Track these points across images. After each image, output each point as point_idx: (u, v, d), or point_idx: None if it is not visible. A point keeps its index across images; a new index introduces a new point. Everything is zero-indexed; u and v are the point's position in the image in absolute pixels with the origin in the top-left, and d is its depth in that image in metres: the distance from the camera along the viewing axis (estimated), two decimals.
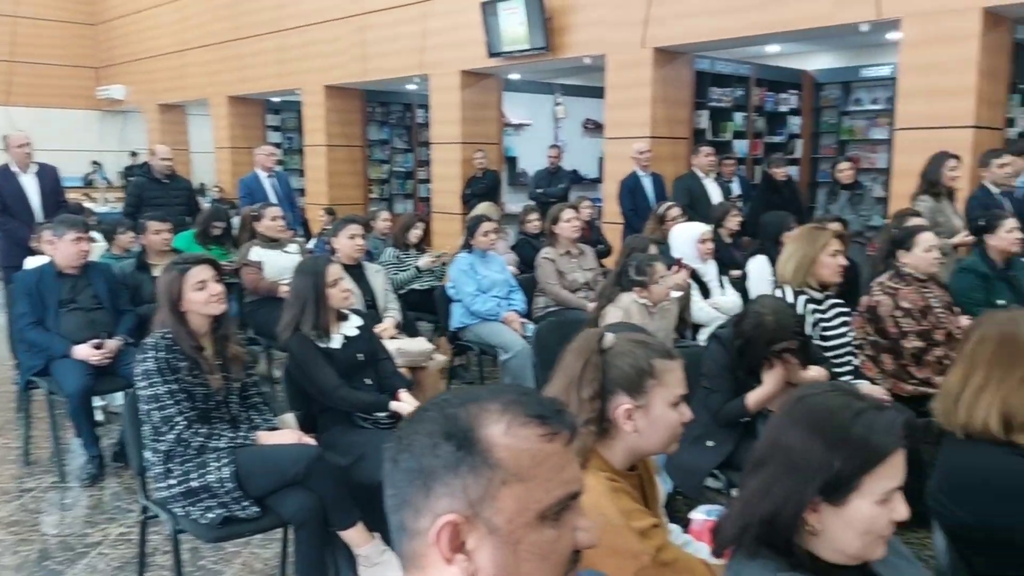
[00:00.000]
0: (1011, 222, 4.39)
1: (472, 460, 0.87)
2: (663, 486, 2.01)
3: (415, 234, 5.67)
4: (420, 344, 4.06)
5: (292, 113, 13.07)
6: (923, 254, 3.69)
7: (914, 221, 4.54)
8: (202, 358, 2.74)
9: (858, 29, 6.54)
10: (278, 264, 4.98)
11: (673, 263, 4.37)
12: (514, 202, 9.93)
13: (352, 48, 10.29)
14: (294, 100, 12.06)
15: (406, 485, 0.89)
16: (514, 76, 10.27)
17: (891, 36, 6.93)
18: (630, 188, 7.15)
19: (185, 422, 2.62)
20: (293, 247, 5.27)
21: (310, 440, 2.81)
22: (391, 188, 12.97)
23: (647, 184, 7.19)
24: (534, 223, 6.53)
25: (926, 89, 6.07)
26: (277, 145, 12.51)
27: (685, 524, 2.05)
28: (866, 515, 1.17)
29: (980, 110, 5.96)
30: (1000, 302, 4.05)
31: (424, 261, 5.52)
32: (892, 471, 1.17)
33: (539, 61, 8.57)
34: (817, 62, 10.09)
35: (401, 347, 3.90)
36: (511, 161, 10.74)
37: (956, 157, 5.35)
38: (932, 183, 5.30)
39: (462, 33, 8.89)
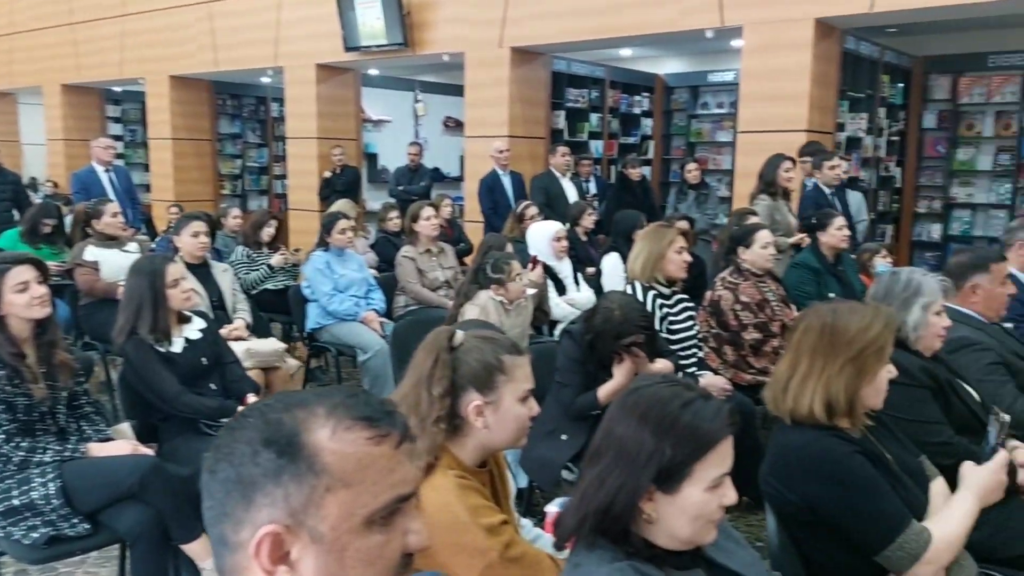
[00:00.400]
0: (840, 220, 4.73)
1: (295, 467, 0.84)
2: (513, 481, 2.01)
3: (267, 232, 5.47)
4: (271, 344, 3.92)
5: (135, 104, 12.30)
6: (760, 251, 3.91)
7: (753, 220, 4.81)
8: (24, 366, 2.52)
9: (704, 35, 6.85)
10: (116, 264, 4.66)
11: (529, 261, 4.44)
12: (375, 199, 9.78)
13: (200, 37, 9.81)
14: (137, 90, 11.36)
15: (224, 496, 0.84)
16: (373, 72, 10.11)
17: (735, 43, 7.31)
18: (489, 186, 7.20)
19: (3, 436, 2.41)
20: (133, 246, 4.95)
21: (147, 450, 2.65)
22: (245, 184, 12.46)
23: (506, 183, 7.26)
24: (394, 221, 6.45)
25: (765, 94, 6.45)
26: (118, 138, 11.74)
27: (542, 518, 2.08)
28: (697, 501, 1.21)
29: (813, 115, 6.39)
30: (830, 295, 4.34)
31: (276, 260, 5.33)
32: (720, 458, 1.22)
33: (398, 57, 8.48)
34: (668, 66, 10.52)
35: (251, 348, 3.75)
36: (371, 158, 10.57)
37: (791, 159, 5.71)
38: (769, 183, 5.63)
39: (318, 26, 8.66)
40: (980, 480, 1.78)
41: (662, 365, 3.20)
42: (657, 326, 3.53)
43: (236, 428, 0.87)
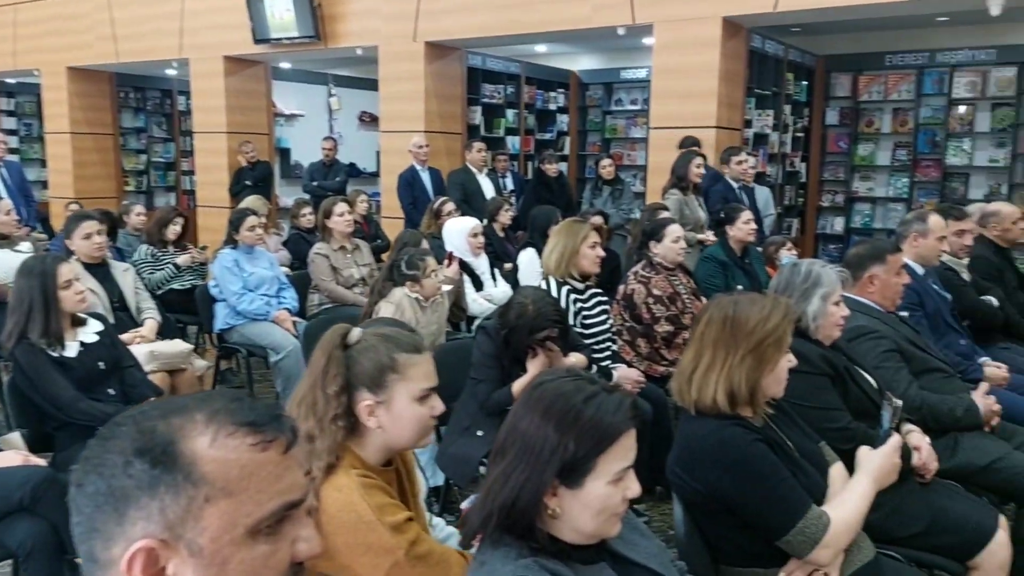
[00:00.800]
0: (747, 214, 4.86)
1: (171, 478, 0.79)
2: (424, 479, 1.99)
3: (173, 230, 5.27)
4: (176, 345, 3.78)
5: (30, 96, 11.69)
6: (671, 245, 3.98)
7: (664, 215, 4.90)
8: None
9: (616, 33, 6.94)
10: (7, 264, 4.41)
11: (445, 257, 4.41)
12: (288, 195, 9.56)
13: (99, 27, 9.38)
14: (33, 82, 10.78)
15: (93, 511, 0.79)
16: (284, 65, 9.88)
17: (646, 41, 7.42)
18: (408, 182, 7.13)
19: None
20: (26, 245, 4.70)
21: (38, 460, 2.51)
22: (151, 180, 12.00)
23: (425, 178, 7.20)
24: (307, 217, 6.33)
25: (675, 91, 6.57)
26: (12, 132, 11.15)
27: (460, 515, 2.06)
28: (601, 495, 1.22)
29: (721, 112, 6.55)
30: (738, 287, 4.46)
31: (183, 259, 5.14)
32: (623, 451, 1.23)
33: (309, 50, 8.30)
34: (582, 63, 10.62)
35: (155, 350, 3.61)
36: (284, 153, 10.32)
37: (701, 155, 5.85)
38: (680, 178, 5.75)
39: (225, 16, 8.39)
40: (875, 464, 1.85)
41: (576, 359, 3.23)
42: (571, 320, 3.56)
43: (107, 438, 0.82)
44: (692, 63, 6.45)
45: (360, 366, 1.53)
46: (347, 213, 4.98)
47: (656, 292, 3.89)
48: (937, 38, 8.30)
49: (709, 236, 5.32)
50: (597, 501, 1.22)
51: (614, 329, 3.87)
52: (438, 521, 1.97)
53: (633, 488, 1.25)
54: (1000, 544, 2.20)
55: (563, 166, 10.07)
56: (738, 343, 1.78)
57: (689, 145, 6.10)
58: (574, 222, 3.81)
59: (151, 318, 4.04)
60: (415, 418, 1.56)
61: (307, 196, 7.82)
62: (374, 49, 7.91)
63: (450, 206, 5.75)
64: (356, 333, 1.57)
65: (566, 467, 1.20)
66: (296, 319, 4.63)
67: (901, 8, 6.44)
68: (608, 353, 3.73)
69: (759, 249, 5.08)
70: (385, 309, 3.62)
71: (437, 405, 1.59)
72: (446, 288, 4.01)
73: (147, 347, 3.58)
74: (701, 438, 1.78)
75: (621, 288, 4.04)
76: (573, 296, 3.64)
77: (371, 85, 8.91)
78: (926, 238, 3.55)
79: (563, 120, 10.53)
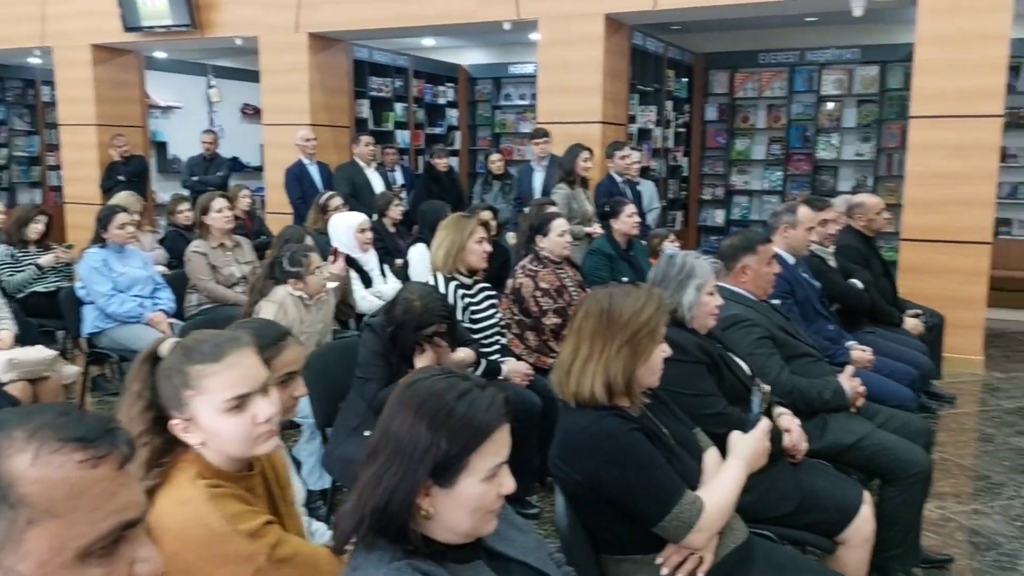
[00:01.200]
0: (630, 208, 4.97)
1: None
2: (300, 481, 1.93)
3: (35, 229, 4.93)
4: (38, 352, 3.53)
5: None
6: (557, 238, 4.02)
7: (552, 209, 4.95)
8: None
9: (502, 27, 6.96)
10: None
11: (330, 253, 4.31)
12: (166, 191, 9.13)
13: None
14: None
15: None
16: (160, 54, 9.43)
17: (532, 36, 7.48)
18: (296, 176, 6.96)
19: None
20: None
21: None
22: (12, 176, 11.23)
23: (314, 172, 7.04)
24: (185, 214, 6.05)
25: (561, 87, 6.66)
26: None
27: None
28: (475, 493, 1.20)
29: (606, 107, 6.68)
30: (623, 279, 4.55)
31: (46, 259, 4.83)
32: (497, 447, 1.22)
33: (185, 39, 7.97)
34: (471, 57, 10.61)
35: (13, 357, 3.37)
36: (160, 147, 9.86)
37: (588, 150, 5.94)
38: (568, 172, 5.83)
39: (92, 3, 7.95)
40: (746, 448, 1.92)
41: (464, 354, 3.22)
42: (459, 316, 3.54)
43: None
44: (577, 59, 6.55)
45: (161, 384, 1.43)
46: (226, 209, 4.79)
47: (543, 285, 3.92)
48: (807, 37, 8.73)
49: (597, 229, 5.41)
50: (471, 499, 1.20)
51: (503, 323, 3.88)
52: (318, 526, 1.92)
53: (507, 484, 1.24)
54: (864, 519, 2.32)
55: (454, 161, 10.04)
56: (614, 335, 1.80)
57: (615, 149, 6.20)
58: (460, 217, 3.79)
59: (5, 328, 3.75)
60: (234, 430, 1.42)
61: (186, 192, 7.49)
62: (254, 40, 7.66)
63: (337, 201, 5.63)
64: (166, 346, 1.46)
65: (439, 466, 1.18)
66: (173, 321, 4.42)
67: (772, 8, 6.73)
68: (497, 347, 3.73)
69: (643, 242, 5.20)
70: (266, 309, 3.50)
71: (260, 411, 1.44)
72: (332, 285, 3.92)
73: (4, 355, 3.34)
74: (580, 430, 1.79)
75: (509, 282, 4.05)
76: (461, 291, 3.62)
77: (253, 76, 8.62)
78: (795, 229, 3.72)
79: (453, 114, 10.49)
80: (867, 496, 2.39)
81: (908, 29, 5.80)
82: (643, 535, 1.76)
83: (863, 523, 2.31)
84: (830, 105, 8.94)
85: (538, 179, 6.46)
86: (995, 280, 5.79)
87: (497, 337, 3.76)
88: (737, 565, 1.83)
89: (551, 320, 3.90)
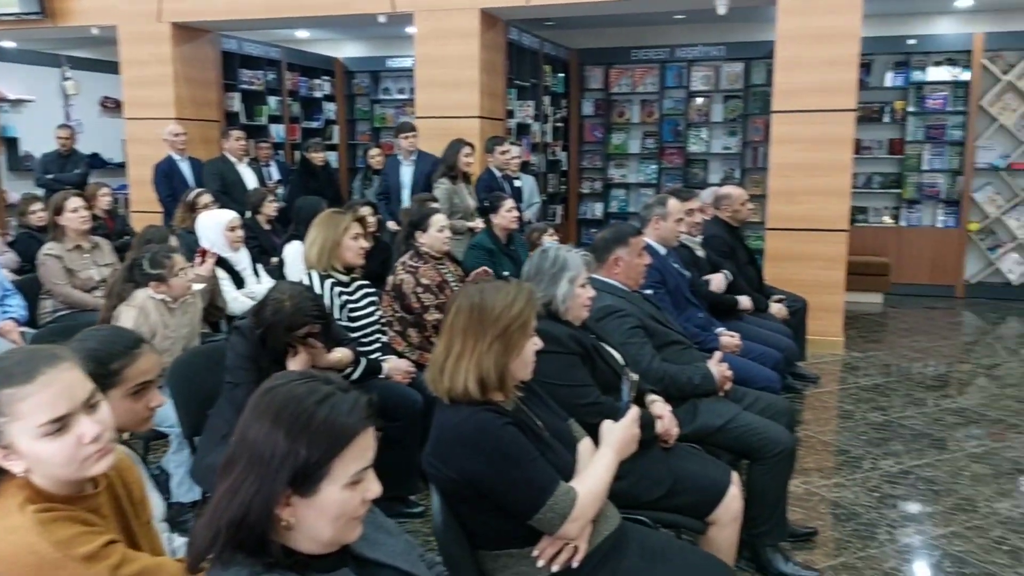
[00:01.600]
0: (510, 203, 5.00)
1: None
2: (158, 495, 1.83)
3: None
4: None
5: None
6: (436, 234, 4.00)
7: (434, 204, 4.92)
8: None
9: (377, 20, 6.85)
10: None
11: (197, 254, 4.12)
12: (17, 190, 8.52)
13: None
14: None
15: None
16: (7, 44, 8.77)
17: (409, 30, 7.40)
18: (165, 173, 6.63)
19: None
20: None
21: None
22: None
23: (185, 169, 6.73)
24: (38, 215, 5.65)
25: (439, 81, 6.62)
26: None
27: None
28: (337, 500, 1.16)
29: (484, 102, 6.69)
30: (505, 274, 4.57)
31: None
32: (360, 452, 1.18)
33: (35, 28, 7.46)
34: (347, 50, 10.40)
35: None
36: (11, 143, 9.17)
37: (470, 145, 5.93)
38: (450, 167, 5.81)
39: None
40: (616, 436, 1.95)
41: (341, 354, 3.15)
42: (337, 314, 3.47)
43: None
44: (453, 53, 6.53)
45: None
46: (83, 208, 4.51)
47: (424, 281, 3.89)
48: (676, 35, 9.03)
49: (479, 224, 5.41)
50: (334, 507, 1.16)
51: (384, 320, 3.83)
52: (182, 542, 1.82)
53: (373, 489, 1.21)
54: (733, 498, 2.42)
55: (332, 156, 9.83)
56: (486, 330, 1.80)
57: (494, 144, 6.18)
58: (334, 213, 3.70)
59: None
60: (55, 455, 1.31)
61: (40, 191, 7.00)
62: (113, 29, 7.24)
63: (207, 198, 5.40)
64: None
65: (298, 475, 1.14)
66: (24, 329, 4.12)
67: (641, 5, 6.93)
68: (378, 345, 3.67)
69: (523, 236, 5.24)
70: (126, 314, 3.31)
71: (85, 431, 1.32)
72: (198, 287, 3.75)
73: None
74: (454, 426, 1.78)
75: (390, 279, 4.00)
76: (338, 289, 3.54)
77: (114, 68, 8.14)
78: (666, 220, 3.84)
79: (330, 108, 10.26)
80: (735, 476, 2.49)
81: (770, 27, 6.09)
82: (519, 529, 1.77)
83: (732, 502, 2.40)
84: (699, 100, 9.28)
85: (407, 173, 6.38)
86: (852, 265, 6.17)
87: (378, 335, 3.70)
88: (611, 551, 1.87)
89: (433, 316, 3.87)
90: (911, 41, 8.12)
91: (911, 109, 8.32)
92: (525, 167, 7.27)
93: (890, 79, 8.34)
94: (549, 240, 5.35)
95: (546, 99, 8.66)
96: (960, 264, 8.22)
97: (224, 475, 1.17)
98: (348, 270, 3.62)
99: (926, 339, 6.53)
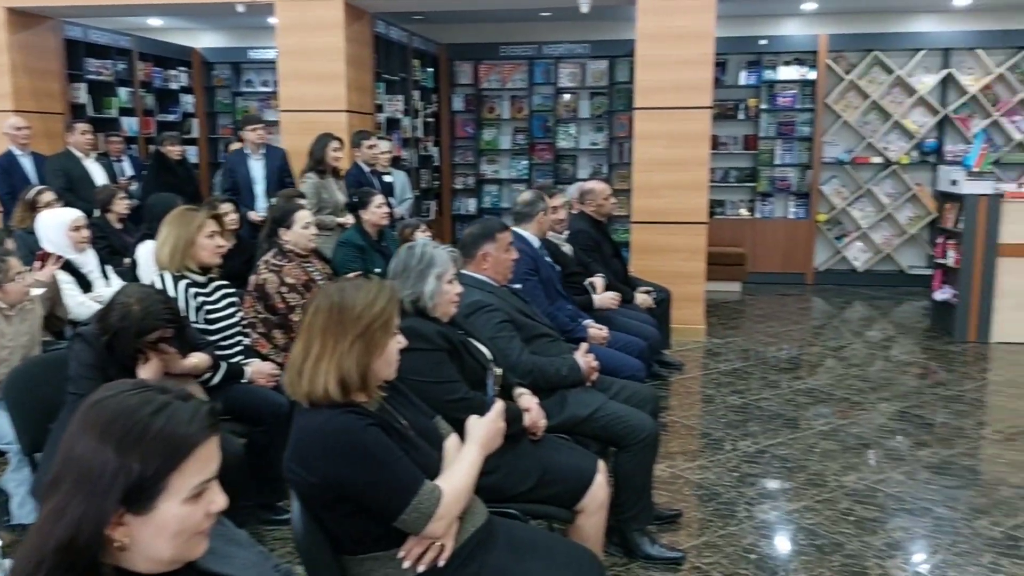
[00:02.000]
0: (379, 198, 4.92)
1: None
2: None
3: None
4: None
5: None
6: (301, 231, 3.88)
7: (301, 200, 4.77)
8: None
9: (235, 10, 6.57)
10: None
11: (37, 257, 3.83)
12: None
13: None
14: None
15: None
16: None
17: (272, 20, 7.15)
18: (5, 169, 6.18)
19: None
20: None
21: None
22: None
23: (27, 164, 6.26)
24: None
25: (303, 74, 6.44)
26: None
27: None
28: (177, 515, 1.09)
29: (351, 96, 6.56)
30: (377, 271, 4.49)
31: None
32: (202, 464, 1.11)
33: None
34: (205, 40, 9.94)
35: None
36: None
37: (338, 139, 5.79)
38: (318, 162, 5.65)
39: None
40: (481, 431, 1.95)
41: (198, 359, 3.00)
42: (193, 317, 3.30)
43: None
44: (318, 45, 6.36)
45: None
46: None
47: (289, 280, 3.77)
48: (542, 32, 9.15)
49: (349, 219, 5.29)
50: (173, 523, 1.09)
51: (246, 322, 3.68)
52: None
53: (218, 501, 1.15)
54: (599, 485, 2.47)
55: (192, 150, 9.38)
56: (346, 329, 1.75)
57: (361, 138, 6.02)
58: (187, 210, 3.51)
59: None
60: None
61: None
62: None
63: (49, 196, 5.03)
64: None
65: (131, 492, 1.06)
66: None
67: (507, 1, 6.97)
68: (240, 348, 3.53)
69: (395, 232, 5.17)
70: None
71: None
72: (37, 292, 3.48)
73: None
74: (315, 429, 1.72)
75: (252, 278, 3.85)
76: (194, 290, 3.37)
77: None
78: (547, 215, 3.92)
79: (188, 100, 9.78)
80: (601, 464, 2.54)
81: (631, 26, 6.26)
82: (384, 531, 1.73)
83: (598, 490, 2.45)
84: (567, 97, 9.45)
85: (256, 168, 6.09)
86: (712, 256, 6.45)
87: (239, 338, 3.55)
88: (478, 547, 1.86)
89: (299, 317, 3.75)
90: (762, 42, 8.56)
91: (763, 106, 8.78)
92: (396, 162, 7.18)
93: (744, 78, 8.77)
94: (422, 236, 5.31)
95: (416, 94, 8.59)
96: (810, 253, 8.76)
97: (49, 496, 1.07)
98: (204, 270, 3.45)
99: (779, 324, 6.92)
